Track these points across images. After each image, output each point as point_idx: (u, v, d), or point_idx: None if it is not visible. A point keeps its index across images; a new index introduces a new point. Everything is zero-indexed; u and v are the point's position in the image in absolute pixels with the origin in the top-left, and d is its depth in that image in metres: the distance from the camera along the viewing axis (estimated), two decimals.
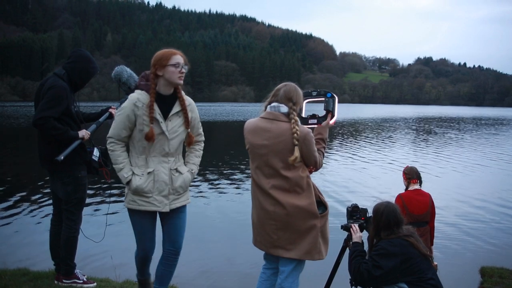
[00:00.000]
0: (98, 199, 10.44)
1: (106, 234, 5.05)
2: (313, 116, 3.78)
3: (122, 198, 10.48)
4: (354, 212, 3.79)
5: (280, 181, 3.35)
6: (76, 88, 4.41)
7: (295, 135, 3.27)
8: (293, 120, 3.32)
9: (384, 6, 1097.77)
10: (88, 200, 9.51)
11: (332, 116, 3.76)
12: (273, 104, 3.43)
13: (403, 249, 3.29)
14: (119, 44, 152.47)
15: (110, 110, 4.70)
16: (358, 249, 3.55)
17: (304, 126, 3.48)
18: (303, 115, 3.75)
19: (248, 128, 3.51)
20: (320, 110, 3.88)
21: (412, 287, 3.23)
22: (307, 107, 3.83)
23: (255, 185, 3.50)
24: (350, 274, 3.45)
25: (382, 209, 3.48)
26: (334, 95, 3.80)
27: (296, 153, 3.26)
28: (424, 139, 28.81)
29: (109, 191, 10.76)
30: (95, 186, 11.45)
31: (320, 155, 3.49)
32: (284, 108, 3.38)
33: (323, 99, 3.78)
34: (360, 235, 3.69)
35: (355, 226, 3.74)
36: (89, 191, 10.22)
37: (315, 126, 3.72)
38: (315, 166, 3.44)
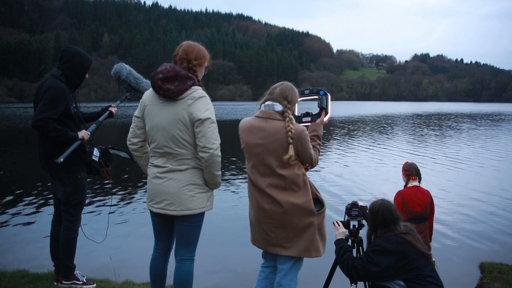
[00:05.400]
0: (99, 199, 10.43)
1: (106, 235, 5.04)
2: (307, 114, 3.80)
3: (123, 198, 10.53)
4: (352, 209, 3.78)
5: (276, 180, 3.35)
6: (74, 87, 4.40)
7: (290, 133, 3.27)
8: (287, 119, 3.33)
9: (392, 3, 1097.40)
10: (89, 201, 9.59)
11: (326, 113, 3.78)
12: (267, 102, 3.43)
13: (399, 247, 3.28)
14: (116, 45, 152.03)
15: (110, 109, 4.70)
16: (344, 245, 3.54)
17: (299, 124, 3.49)
18: (296, 113, 3.76)
19: (243, 127, 3.51)
20: (313, 108, 3.89)
21: (409, 284, 3.23)
22: (300, 105, 3.84)
23: (251, 184, 3.51)
24: (343, 271, 3.44)
25: (377, 207, 3.47)
26: (327, 92, 3.81)
27: (291, 151, 3.26)
28: (425, 135, 28.84)
29: (110, 191, 10.77)
30: (96, 186, 11.44)
31: (316, 152, 3.49)
32: (278, 107, 3.38)
33: (316, 97, 3.81)
34: (343, 231, 3.68)
35: (337, 222, 3.73)
36: (90, 192, 10.28)
37: (309, 123, 3.73)
38: (310, 163, 3.44)
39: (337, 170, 15.05)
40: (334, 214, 8.44)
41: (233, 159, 16.48)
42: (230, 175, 13.78)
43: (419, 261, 3.27)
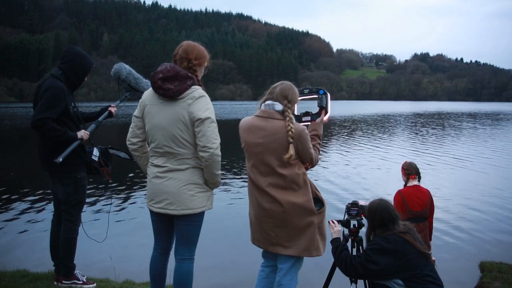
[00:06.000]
0: (99, 199, 10.43)
1: (106, 234, 5.03)
2: (307, 113, 3.80)
3: (123, 198, 10.53)
4: (352, 209, 3.77)
5: (276, 179, 3.35)
6: (74, 87, 4.40)
7: (290, 132, 3.27)
8: (287, 118, 3.33)
9: (392, 2, 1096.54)
10: (89, 200, 9.59)
11: (326, 113, 3.78)
12: (267, 102, 3.43)
13: (397, 246, 3.28)
14: (116, 44, 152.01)
15: (110, 109, 4.69)
16: (341, 244, 3.55)
17: (299, 123, 3.49)
18: (296, 113, 3.76)
19: (243, 126, 3.51)
20: (313, 107, 3.88)
21: (407, 283, 3.22)
22: (300, 105, 3.83)
23: (251, 183, 3.51)
24: (341, 269, 3.44)
25: (375, 206, 3.47)
26: (327, 91, 3.81)
27: (291, 150, 3.26)
28: (427, 134, 28.84)
29: (110, 191, 10.77)
30: (96, 186, 11.43)
31: (316, 151, 3.49)
32: (278, 106, 3.38)
33: (316, 96, 3.80)
34: (338, 230, 3.67)
35: (332, 221, 3.73)
36: (90, 191, 10.27)
37: (309, 123, 3.73)
38: (311, 163, 3.44)
39: (339, 169, 15.04)
40: (334, 213, 8.43)
41: (233, 158, 16.47)
42: (230, 174, 13.78)
43: (418, 260, 3.26)
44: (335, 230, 3.67)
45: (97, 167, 4.54)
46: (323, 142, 20.48)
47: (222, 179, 3.53)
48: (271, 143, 3.33)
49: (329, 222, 3.73)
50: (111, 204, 9.84)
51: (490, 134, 30.34)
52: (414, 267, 3.24)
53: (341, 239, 3.63)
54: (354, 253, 3.66)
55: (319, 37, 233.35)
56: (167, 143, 3.32)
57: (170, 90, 3.26)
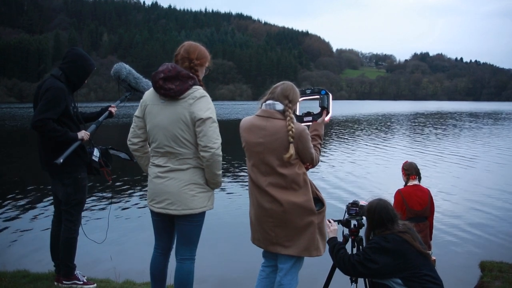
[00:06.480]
0: (100, 199, 10.43)
1: (106, 235, 5.03)
2: (308, 114, 3.80)
3: (123, 198, 10.53)
4: (351, 208, 3.77)
5: (276, 179, 3.35)
6: (74, 88, 4.40)
7: (290, 132, 3.27)
8: (288, 118, 3.33)
9: (392, 2, 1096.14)
10: (89, 201, 9.60)
11: (327, 113, 3.79)
12: (268, 102, 3.43)
13: (396, 245, 3.28)
14: (115, 44, 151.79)
15: (110, 109, 4.69)
16: (337, 243, 3.56)
17: (300, 123, 3.49)
18: (298, 113, 3.76)
19: (244, 126, 3.51)
20: (314, 107, 3.89)
21: (406, 282, 3.23)
22: (301, 105, 3.83)
23: (252, 183, 3.51)
24: (340, 268, 3.44)
25: (374, 206, 3.48)
26: (328, 92, 3.81)
27: (291, 150, 3.27)
28: (430, 133, 28.83)
29: (110, 191, 10.77)
30: (97, 187, 11.43)
31: (317, 151, 3.49)
32: (279, 106, 3.38)
33: (318, 96, 3.80)
34: (335, 229, 3.69)
35: (329, 221, 3.73)
36: (90, 192, 10.25)
37: (311, 123, 3.73)
38: (311, 162, 3.44)
39: (340, 169, 15.04)
40: (333, 213, 8.42)
41: (233, 158, 16.47)
42: (230, 174, 13.78)
43: (417, 260, 3.27)
44: (331, 230, 3.68)
45: (98, 168, 4.54)
46: (326, 142, 20.47)
47: (222, 178, 3.53)
48: (272, 143, 3.33)
49: (326, 222, 3.73)
50: (111, 204, 9.84)
51: (494, 133, 30.35)
52: (413, 267, 3.25)
53: (338, 238, 3.64)
54: (355, 253, 3.66)
55: (319, 37, 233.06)
56: (168, 143, 3.32)
57: (172, 90, 3.26)
